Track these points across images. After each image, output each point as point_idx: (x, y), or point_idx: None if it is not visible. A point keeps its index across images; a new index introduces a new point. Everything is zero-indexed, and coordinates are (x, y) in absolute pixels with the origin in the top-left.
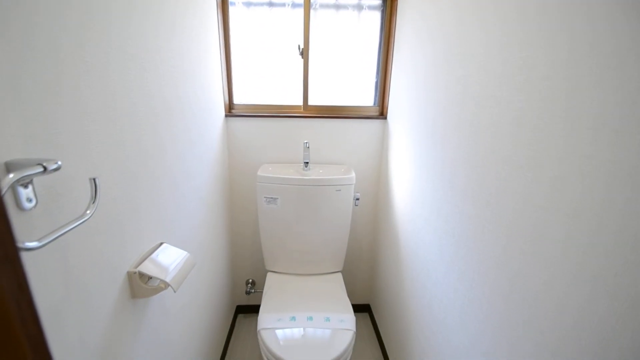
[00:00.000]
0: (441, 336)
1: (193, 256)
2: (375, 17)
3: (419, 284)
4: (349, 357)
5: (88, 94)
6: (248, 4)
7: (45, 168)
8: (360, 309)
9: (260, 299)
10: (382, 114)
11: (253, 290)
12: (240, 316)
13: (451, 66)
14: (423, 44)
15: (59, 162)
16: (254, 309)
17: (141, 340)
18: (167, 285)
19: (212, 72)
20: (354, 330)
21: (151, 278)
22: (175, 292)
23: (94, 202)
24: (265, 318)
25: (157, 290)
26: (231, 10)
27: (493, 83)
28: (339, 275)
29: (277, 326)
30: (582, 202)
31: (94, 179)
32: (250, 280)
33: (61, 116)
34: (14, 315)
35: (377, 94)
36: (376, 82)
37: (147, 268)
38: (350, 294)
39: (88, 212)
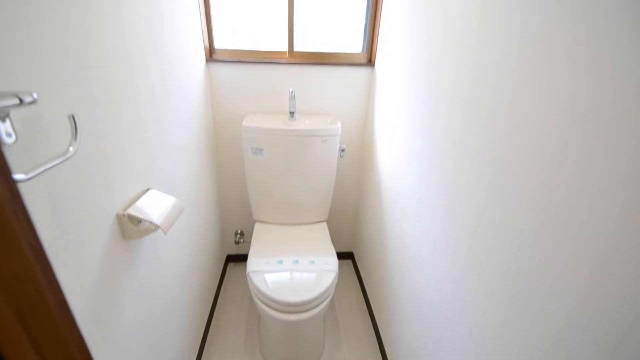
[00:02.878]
0: (415, 271)
1: (181, 202)
2: None
3: (397, 227)
4: (331, 295)
5: (66, 27)
6: None
7: (20, 100)
8: (344, 256)
9: (249, 249)
10: (370, 61)
11: (242, 240)
12: (230, 264)
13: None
14: None
15: (35, 95)
16: (243, 258)
17: (136, 280)
18: (156, 227)
19: (190, 12)
20: (337, 271)
21: (141, 221)
22: (165, 233)
23: (75, 139)
24: (253, 262)
25: (147, 231)
26: None
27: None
28: (324, 224)
29: (265, 269)
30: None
31: (72, 116)
32: (239, 231)
33: (37, 51)
34: (14, 223)
35: (366, 39)
36: (365, 26)
37: (136, 210)
38: (335, 242)
39: (71, 149)
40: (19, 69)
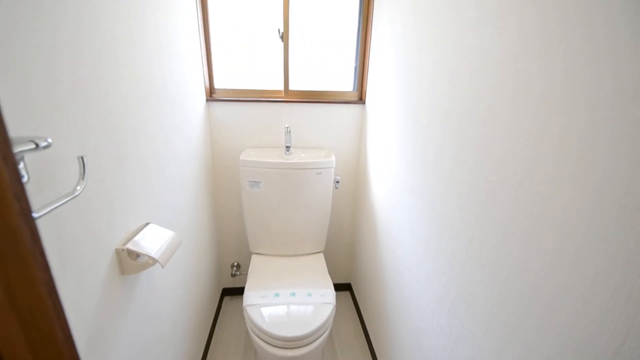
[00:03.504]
0: (412, 302)
1: (179, 235)
2: (354, 2)
3: (393, 257)
4: (329, 329)
5: (80, 75)
6: None
7: (37, 145)
8: (342, 287)
9: (245, 282)
10: (360, 99)
11: (238, 273)
12: (226, 298)
13: (423, 50)
14: (394, 30)
15: (49, 140)
16: (240, 291)
17: (131, 315)
18: (154, 261)
19: (192, 55)
20: (334, 303)
21: (139, 255)
22: (162, 267)
23: (83, 179)
24: (250, 295)
25: (145, 266)
26: None
27: (460, 69)
28: (321, 255)
29: (261, 302)
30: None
31: (82, 157)
32: (236, 264)
33: (52, 96)
34: (32, 261)
35: (356, 79)
36: (355, 67)
37: (134, 245)
38: (332, 274)
39: (78, 188)
40: (35, 116)
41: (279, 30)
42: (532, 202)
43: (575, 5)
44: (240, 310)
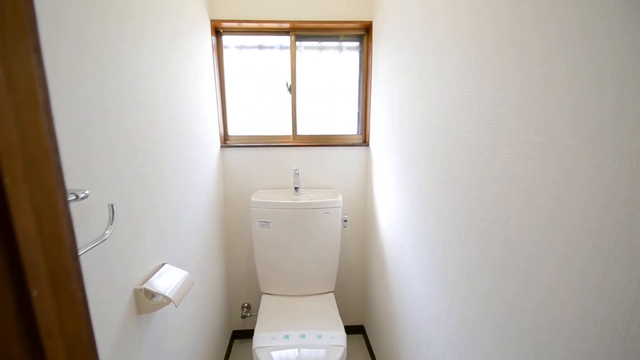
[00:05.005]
0: (424, 344)
1: (192, 275)
2: (355, 56)
3: (403, 296)
4: None
5: (112, 135)
6: (240, 47)
7: (77, 196)
8: (355, 330)
9: (255, 324)
10: (365, 142)
11: (249, 314)
12: (236, 341)
13: (412, 101)
14: (389, 82)
15: (87, 192)
16: (250, 334)
17: (144, 354)
18: (169, 300)
19: (209, 107)
20: (345, 346)
21: (154, 295)
22: (176, 307)
23: (111, 225)
24: (260, 337)
25: (160, 305)
26: (225, 52)
27: (447, 116)
28: (331, 295)
29: (271, 344)
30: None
31: (112, 205)
32: (246, 304)
33: (84, 153)
34: (79, 295)
35: (360, 123)
36: (358, 113)
37: (151, 285)
38: (344, 316)
39: (107, 232)
40: (74, 169)
41: (287, 83)
42: (522, 239)
43: (541, 62)
44: (251, 355)
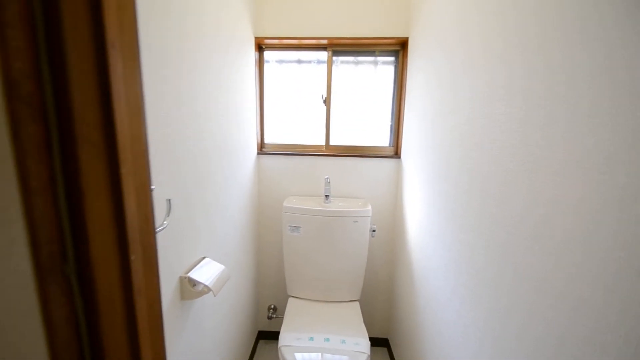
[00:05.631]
0: None
1: (228, 270)
2: (389, 70)
3: (430, 310)
4: None
5: (171, 140)
6: (280, 62)
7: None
8: (379, 342)
9: (280, 326)
10: (396, 154)
11: (275, 316)
12: (261, 341)
13: (445, 116)
14: (423, 97)
15: (153, 186)
16: (275, 336)
17: (184, 338)
18: (209, 290)
19: (249, 117)
20: (368, 353)
21: (196, 284)
22: (215, 296)
23: (168, 216)
24: (285, 337)
25: (201, 293)
26: (266, 66)
27: (477, 132)
28: (357, 304)
29: (296, 345)
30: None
31: (169, 200)
32: (273, 306)
33: (158, 152)
34: (154, 267)
35: (392, 135)
36: (391, 126)
37: (195, 274)
38: (368, 326)
39: (165, 222)
40: None
41: (322, 95)
42: (547, 253)
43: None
44: (274, 356)
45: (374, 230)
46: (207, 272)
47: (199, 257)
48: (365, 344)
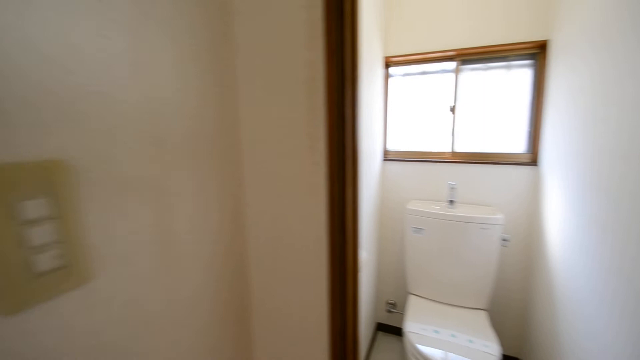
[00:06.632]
0: None
1: (367, 256)
2: (525, 73)
3: (572, 337)
4: None
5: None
6: (405, 75)
7: None
8: None
9: (399, 322)
10: (533, 161)
11: (394, 310)
12: (380, 333)
13: (598, 123)
14: (567, 103)
15: None
16: (394, 330)
17: None
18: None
19: (377, 126)
20: (499, 357)
21: None
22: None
23: None
24: (411, 324)
25: None
26: (390, 80)
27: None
28: (484, 313)
29: (421, 333)
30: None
31: None
32: (392, 301)
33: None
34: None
35: (529, 142)
36: (529, 132)
37: None
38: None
39: None
40: None
41: (450, 106)
42: None
43: None
44: (394, 347)
45: (505, 240)
46: None
47: None
48: (495, 349)
